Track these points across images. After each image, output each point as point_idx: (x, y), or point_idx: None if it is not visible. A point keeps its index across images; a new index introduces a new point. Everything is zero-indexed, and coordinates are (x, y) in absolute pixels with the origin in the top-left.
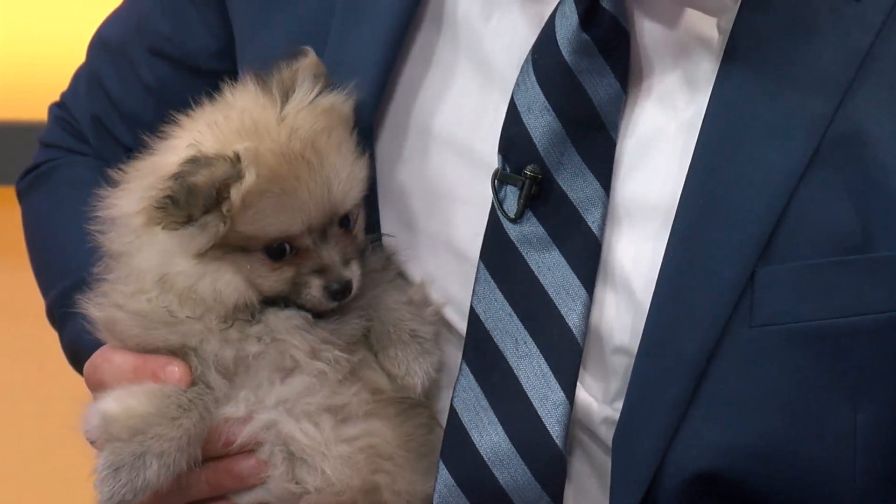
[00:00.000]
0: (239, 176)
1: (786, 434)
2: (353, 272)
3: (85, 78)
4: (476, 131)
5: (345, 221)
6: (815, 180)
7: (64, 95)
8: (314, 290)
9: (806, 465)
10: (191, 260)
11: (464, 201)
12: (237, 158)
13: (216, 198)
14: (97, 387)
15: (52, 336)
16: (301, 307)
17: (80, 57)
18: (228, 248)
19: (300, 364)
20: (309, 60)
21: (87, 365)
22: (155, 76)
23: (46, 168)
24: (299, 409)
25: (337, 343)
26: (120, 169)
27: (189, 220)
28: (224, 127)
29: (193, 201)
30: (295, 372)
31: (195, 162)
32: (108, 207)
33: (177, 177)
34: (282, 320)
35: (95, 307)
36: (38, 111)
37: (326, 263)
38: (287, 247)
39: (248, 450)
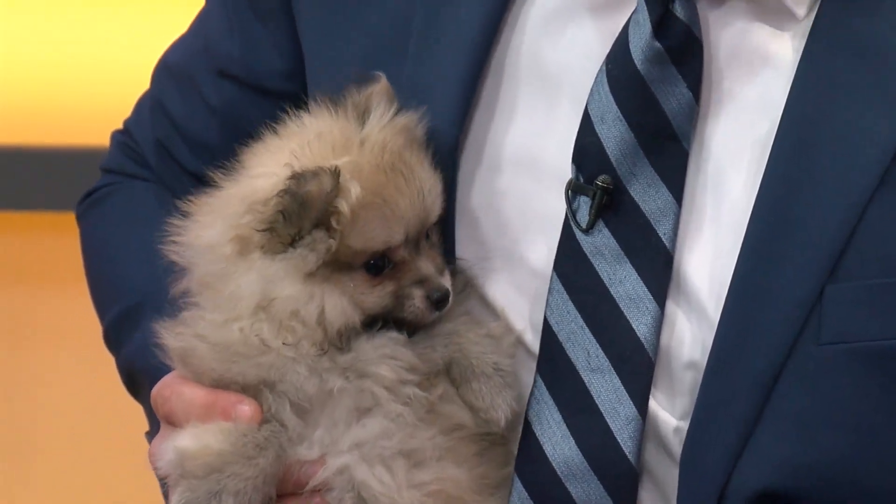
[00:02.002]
0: (343, 189)
1: (851, 454)
2: (448, 281)
3: (148, 103)
4: (546, 146)
5: (427, 235)
6: (884, 199)
7: (127, 122)
8: (417, 300)
9: (871, 486)
10: (298, 283)
11: (538, 218)
12: (338, 172)
13: (325, 212)
14: (166, 418)
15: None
16: (400, 323)
17: (131, 83)
18: (333, 266)
19: (380, 402)
20: (381, 85)
21: (155, 395)
22: (221, 98)
23: (105, 192)
24: (374, 452)
25: (421, 371)
26: (189, 200)
27: (293, 242)
28: (316, 146)
29: (306, 214)
30: (373, 412)
31: (300, 177)
32: (188, 238)
33: (286, 192)
34: (372, 348)
35: (174, 337)
36: (89, 137)
37: (425, 273)
38: (386, 261)
39: (317, 489)
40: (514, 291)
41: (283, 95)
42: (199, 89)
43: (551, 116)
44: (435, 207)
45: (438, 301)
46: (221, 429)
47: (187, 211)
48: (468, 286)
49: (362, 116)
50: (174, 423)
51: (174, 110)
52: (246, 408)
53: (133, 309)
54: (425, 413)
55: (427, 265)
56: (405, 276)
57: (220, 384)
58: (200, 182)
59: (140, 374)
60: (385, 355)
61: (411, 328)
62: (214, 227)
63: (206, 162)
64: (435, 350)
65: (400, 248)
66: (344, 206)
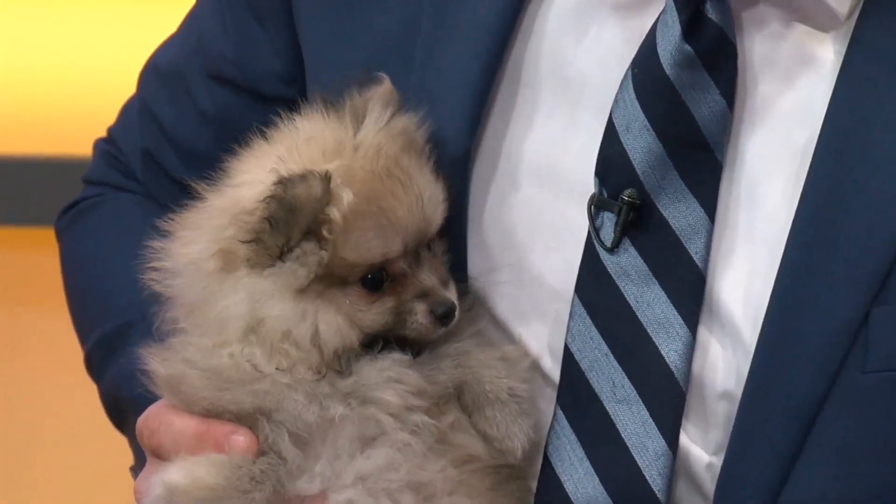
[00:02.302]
0: (335, 195)
1: None
2: (453, 294)
3: (135, 109)
4: (567, 156)
5: (428, 246)
6: None
7: (111, 130)
8: (420, 315)
9: None
10: (289, 301)
11: (557, 234)
12: (328, 177)
13: (315, 220)
14: (153, 451)
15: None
16: (403, 341)
17: (118, 90)
18: (327, 282)
19: (385, 431)
20: (384, 88)
21: (141, 426)
22: (214, 103)
23: (88, 204)
24: (380, 486)
25: (429, 395)
26: (169, 219)
27: (282, 255)
28: (305, 150)
29: (294, 221)
30: (378, 442)
31: (287, 182)
32: (170, 258)
33: (272, 197)
34: (376, 371)
35: (161, 363)
36: (75, 147)
37: (427, 286)
38: (384, 274)
39: None
40: (529, 313)
41: (282, 101)
42: (190, 93)
43: (572, 124)
44: (436, 216)
45: (443, 315)
46: (214, 461)
47: (167, 230)
48: (477, 304)
49: (360, 119)
50: (162, 457)
51: (163, 116)
52: (240, 438)
53: (122, 328)
54: (435, 443)
55: (429, 277)
56: (406, 290)
57: (212, 413)
58: (191, 194)
59: (126, 401)
60: (390, 378)
61: (416, 347)
62: (197, 243)
63: (197, 172)
64: (442, 372)
65: (399, 261)
66: (335, 213)
